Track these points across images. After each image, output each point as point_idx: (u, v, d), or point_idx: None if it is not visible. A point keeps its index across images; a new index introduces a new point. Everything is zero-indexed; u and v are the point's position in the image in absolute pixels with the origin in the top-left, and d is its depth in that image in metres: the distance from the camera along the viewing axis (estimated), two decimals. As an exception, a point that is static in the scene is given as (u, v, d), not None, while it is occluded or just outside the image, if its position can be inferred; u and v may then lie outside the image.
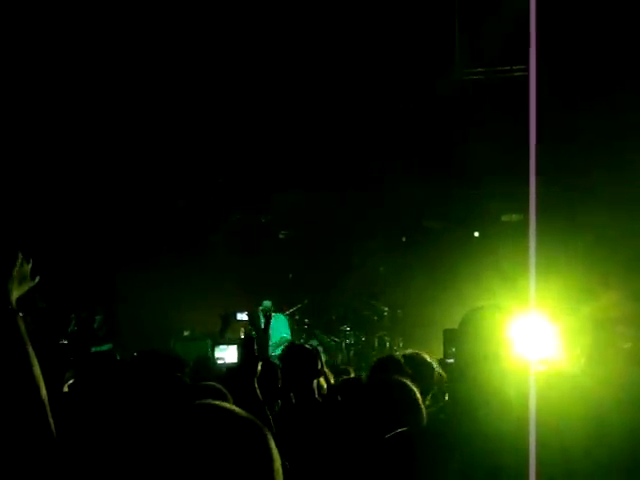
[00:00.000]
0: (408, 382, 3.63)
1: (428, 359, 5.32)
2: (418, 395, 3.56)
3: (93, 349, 9.84)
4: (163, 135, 12.93)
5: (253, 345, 4.40)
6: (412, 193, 14.29)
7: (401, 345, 13.75)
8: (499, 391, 2.63)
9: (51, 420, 2.15)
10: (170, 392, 3.92)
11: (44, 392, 2.18)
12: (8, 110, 10.95)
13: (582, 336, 4.61)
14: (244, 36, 11.25)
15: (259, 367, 4.42)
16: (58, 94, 11.28)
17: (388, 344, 14.06)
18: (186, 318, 13.74)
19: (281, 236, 15.55)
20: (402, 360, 5.07)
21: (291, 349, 5.52)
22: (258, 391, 4.33)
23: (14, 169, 11.97)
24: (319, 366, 5.00)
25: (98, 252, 13.93)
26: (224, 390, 3.95)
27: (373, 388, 3.72)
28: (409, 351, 5.56)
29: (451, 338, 4.76)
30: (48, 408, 2.15)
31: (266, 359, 5.37)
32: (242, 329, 10.79)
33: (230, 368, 5.71)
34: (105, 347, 10.36)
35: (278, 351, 9.40)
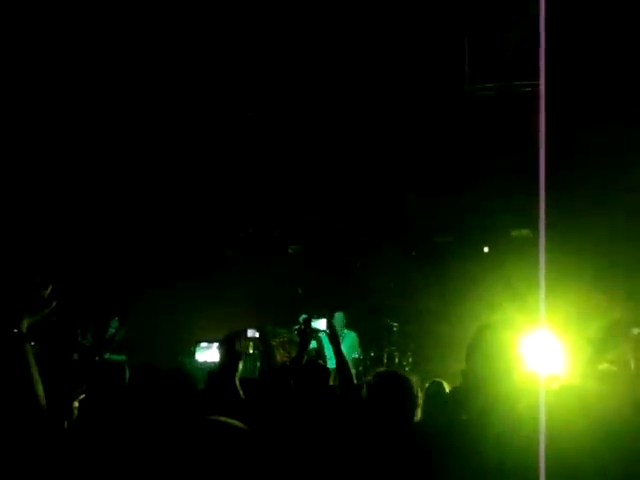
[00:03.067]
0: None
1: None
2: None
3: (108, 356, 9.90)
4: (183, 149, 12.73)
5: (234, 343, 4.31)
6: (422, 207, 14.12)
7: (410, 361, 13.64)
8: (511, 407, 2.64)
9: (54, 435, 2.29)
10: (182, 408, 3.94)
11: (45, 411, 2.26)
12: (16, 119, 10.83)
13: (590, 352, 4.52)
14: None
15: (240, 365, 4.35)
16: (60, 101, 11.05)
17: (397, 360, 13.74)
18: (197, 332, 13.43)
19: (290, 251, 15.22)
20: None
21: (306, 365, 5.47)
22: (240, 389, 4.27)
23: (27, 181, 11.87)
24: (331, 382, 5.11)
25: (112, 267, 13.80)
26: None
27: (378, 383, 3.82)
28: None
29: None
30: (50, 424, 2.27)
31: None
32: (251, 344, 10.76)
33: (211, 370, 5.61)
34: (119, 357, 10.28)
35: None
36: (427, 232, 14.61)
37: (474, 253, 14.51)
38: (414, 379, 4.75)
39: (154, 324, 13.57)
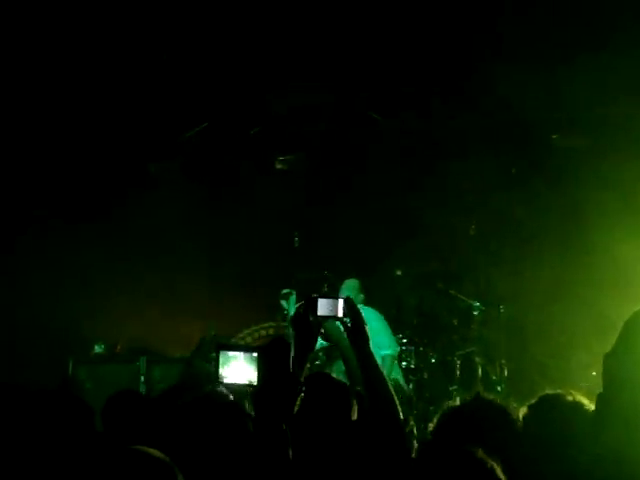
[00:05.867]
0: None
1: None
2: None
3: None
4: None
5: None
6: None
7: (506, 373, 9.22)
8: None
9: None
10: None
11: None
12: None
13: None
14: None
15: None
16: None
17: (481, 370, 9.25)
18: (98, 325, 9.75)
19: (279, 166, 10.22)
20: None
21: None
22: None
23: None
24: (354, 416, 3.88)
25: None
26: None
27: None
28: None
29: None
30: None
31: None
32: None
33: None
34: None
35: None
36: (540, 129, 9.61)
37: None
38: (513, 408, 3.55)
39: (22, 304, 9.83)
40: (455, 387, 8.64)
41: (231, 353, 3.08)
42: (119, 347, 9.44)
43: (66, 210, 9.95)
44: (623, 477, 2.39)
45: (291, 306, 8.21)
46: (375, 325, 8.26)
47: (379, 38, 8.44)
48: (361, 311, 7.72)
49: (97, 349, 9.56)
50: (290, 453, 2.89)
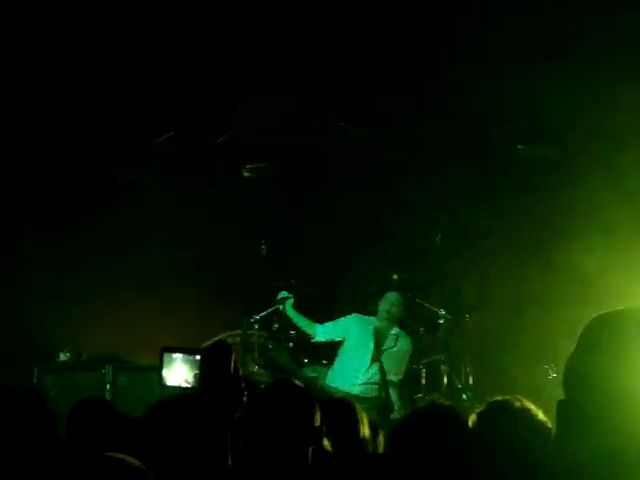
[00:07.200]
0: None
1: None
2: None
3: None
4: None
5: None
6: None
7: (471, 381, 9.00)
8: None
9: None
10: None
11: None
12: None
13: None
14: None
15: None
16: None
17: (446, 378, 8.95)
18: (64, 332, 9.62)
19: (246, 173, 9.87)
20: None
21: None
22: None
23: None
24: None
25: None
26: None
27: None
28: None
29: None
30: None
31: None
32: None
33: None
34: None
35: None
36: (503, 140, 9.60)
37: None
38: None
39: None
40: (420, 395, 8.46)
41: (174, 355, 3.03)
42: (84, 354, 9.23)
43: (34, 216, 9.69)
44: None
45: (289, 309, 8.21)
46: (402, 349, 8.26)
47: (345, 48, 8.34)
48: (400, 335, 8.17)
49: (62, 357, 9.38)
50: (229, 459, 2.81)
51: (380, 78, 8.60)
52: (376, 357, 7.93)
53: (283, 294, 8.45)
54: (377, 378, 7.99)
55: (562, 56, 8.43)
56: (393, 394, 7.97)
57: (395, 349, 8.14)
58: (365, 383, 7.99)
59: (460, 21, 7.82)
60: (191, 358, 2.91)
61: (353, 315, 8.31)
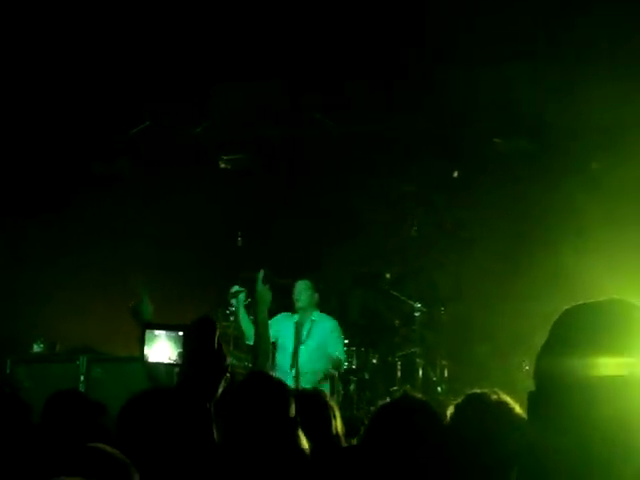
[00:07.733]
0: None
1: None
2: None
3: None
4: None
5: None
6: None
7: (446, 374, 9.18)
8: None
9: None
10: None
11: None
12: None
13: None
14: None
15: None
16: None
17: (421, 370, 9.05)
18: (37, 323, 9.49)
19: (223, 165, 9.80)
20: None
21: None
22: None
23: None
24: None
25: None
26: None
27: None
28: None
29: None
30: None
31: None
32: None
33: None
34: None
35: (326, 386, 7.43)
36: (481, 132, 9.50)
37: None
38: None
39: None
40: (396, 388, 8.45)
41: (156, 332, 2.97)
42: (59, 346, 9.06)
43: (6, 206, 9.52)
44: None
45: (240, 304, 7.54)
46: (324, 332, 7.95)
47: (324, 41, 8.27)
48: (315, 315, 7.91)
49: (36, 348, 9.21)
50: (215, 432, 2.81)
51: (355, 74, 8.56)
52: (297, 349, 7.58)
53: (235, 288, 7.72)
54: (308, 368, 7.59)
55: (532, 55, 8.57)
56: (326, 386, 7.46)
57: (316, 334, 7.77)
58: (297, 377, 7.60)
59: (439, 14, 7.78)
60: (174, 334, 2.86)
61: (280, 314, 7.80)
